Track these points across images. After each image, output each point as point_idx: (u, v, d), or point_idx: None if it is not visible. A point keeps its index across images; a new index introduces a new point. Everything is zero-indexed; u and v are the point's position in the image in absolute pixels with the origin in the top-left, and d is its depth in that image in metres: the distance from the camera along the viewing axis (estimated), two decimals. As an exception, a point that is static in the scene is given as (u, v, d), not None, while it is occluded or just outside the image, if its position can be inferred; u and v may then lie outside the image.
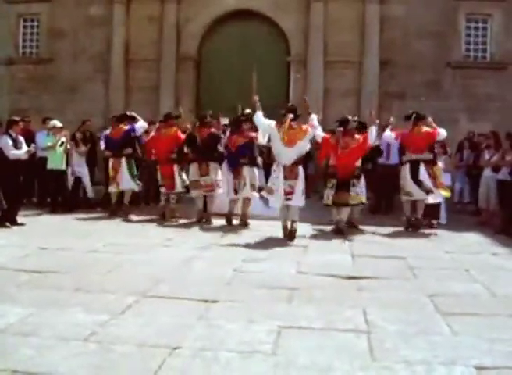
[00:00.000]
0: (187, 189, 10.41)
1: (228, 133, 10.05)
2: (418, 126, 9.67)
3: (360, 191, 9.29)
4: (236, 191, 9.71)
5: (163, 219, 10.13)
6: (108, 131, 11.07)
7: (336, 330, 4.30)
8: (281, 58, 14.76)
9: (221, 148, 10.01)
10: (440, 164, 9.97)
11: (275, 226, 9.27)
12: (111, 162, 10.67)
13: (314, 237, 8.82)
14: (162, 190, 10.38)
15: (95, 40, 15.12)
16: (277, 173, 8.40)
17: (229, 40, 14.91)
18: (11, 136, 9.10)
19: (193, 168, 10.09)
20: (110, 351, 3.76)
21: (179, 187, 10.28)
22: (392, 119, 10.46)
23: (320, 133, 9.27)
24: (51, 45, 15.38)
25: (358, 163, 9.29)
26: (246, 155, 9.63)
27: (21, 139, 9.38)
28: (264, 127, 8.75)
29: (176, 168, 10.26)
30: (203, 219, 10.02)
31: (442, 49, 14.30)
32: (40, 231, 8.66)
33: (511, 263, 7.09)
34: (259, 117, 8.64)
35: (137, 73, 14.93)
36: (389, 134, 10.12)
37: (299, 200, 8.45)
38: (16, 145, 9.14)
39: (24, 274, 5.81)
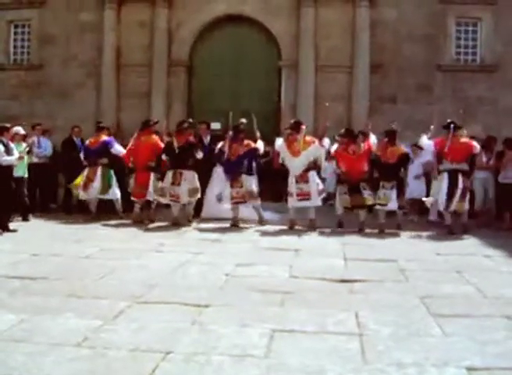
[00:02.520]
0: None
1: (227, 140, 10.04)
2: (457, 136, 9.52)
3: (370, 194, 9.68)
4: (233, 199, 9.85)
5: (140, 223, 10.08)
6: (87, 141, 11.02)
7: (329, 332, 4.32)
8: (272, 62, 14.76)
9: (199, 156, 10.05)
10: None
11: (267, 231, 9.30)
12: (86, 170, 10.66)
13: (306, 240, 8.84)
14: (133, 198, 10.38)
15: (86, 45, 15.05)
16: (291, 179, 9.79)
17: (221, 45, 14.88)
18: (2, 142, 9.09)
19: (168, 175, 10.10)
20: (103, 357, 3.76)
21: (149, 196, 10.26)
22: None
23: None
24: (42, 51, 15.31)
25: (366, 168, 9.75)
26: (244, 164, 9.87)
27: (12, 145, 9.37)
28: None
29: (152, 176, 10.29)
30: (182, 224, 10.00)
31: (432, 52, 14.34)
32: (32, 238, 8.62)
33: (503, 265, 7.11)
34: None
35: (128, 78, 14.87)
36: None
37: (315, 201, 9.74)
38: (8, 151, 9.12)
39: (16, 281, 5.80)
